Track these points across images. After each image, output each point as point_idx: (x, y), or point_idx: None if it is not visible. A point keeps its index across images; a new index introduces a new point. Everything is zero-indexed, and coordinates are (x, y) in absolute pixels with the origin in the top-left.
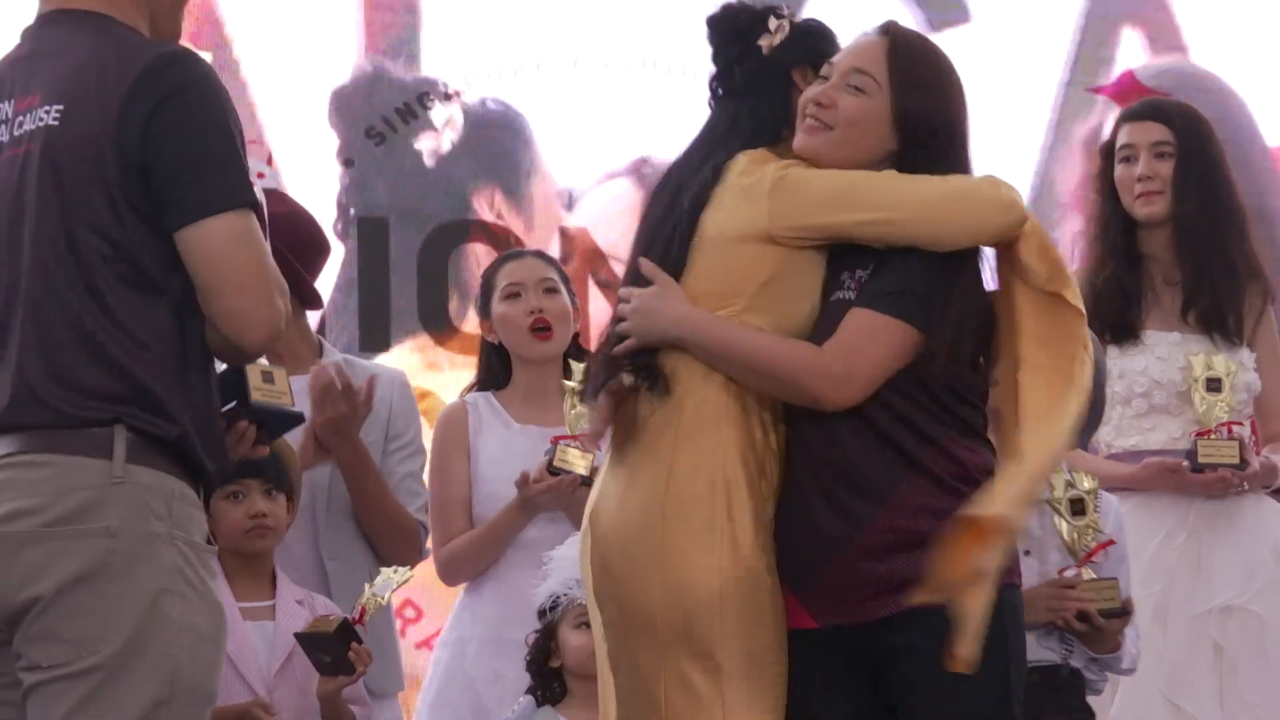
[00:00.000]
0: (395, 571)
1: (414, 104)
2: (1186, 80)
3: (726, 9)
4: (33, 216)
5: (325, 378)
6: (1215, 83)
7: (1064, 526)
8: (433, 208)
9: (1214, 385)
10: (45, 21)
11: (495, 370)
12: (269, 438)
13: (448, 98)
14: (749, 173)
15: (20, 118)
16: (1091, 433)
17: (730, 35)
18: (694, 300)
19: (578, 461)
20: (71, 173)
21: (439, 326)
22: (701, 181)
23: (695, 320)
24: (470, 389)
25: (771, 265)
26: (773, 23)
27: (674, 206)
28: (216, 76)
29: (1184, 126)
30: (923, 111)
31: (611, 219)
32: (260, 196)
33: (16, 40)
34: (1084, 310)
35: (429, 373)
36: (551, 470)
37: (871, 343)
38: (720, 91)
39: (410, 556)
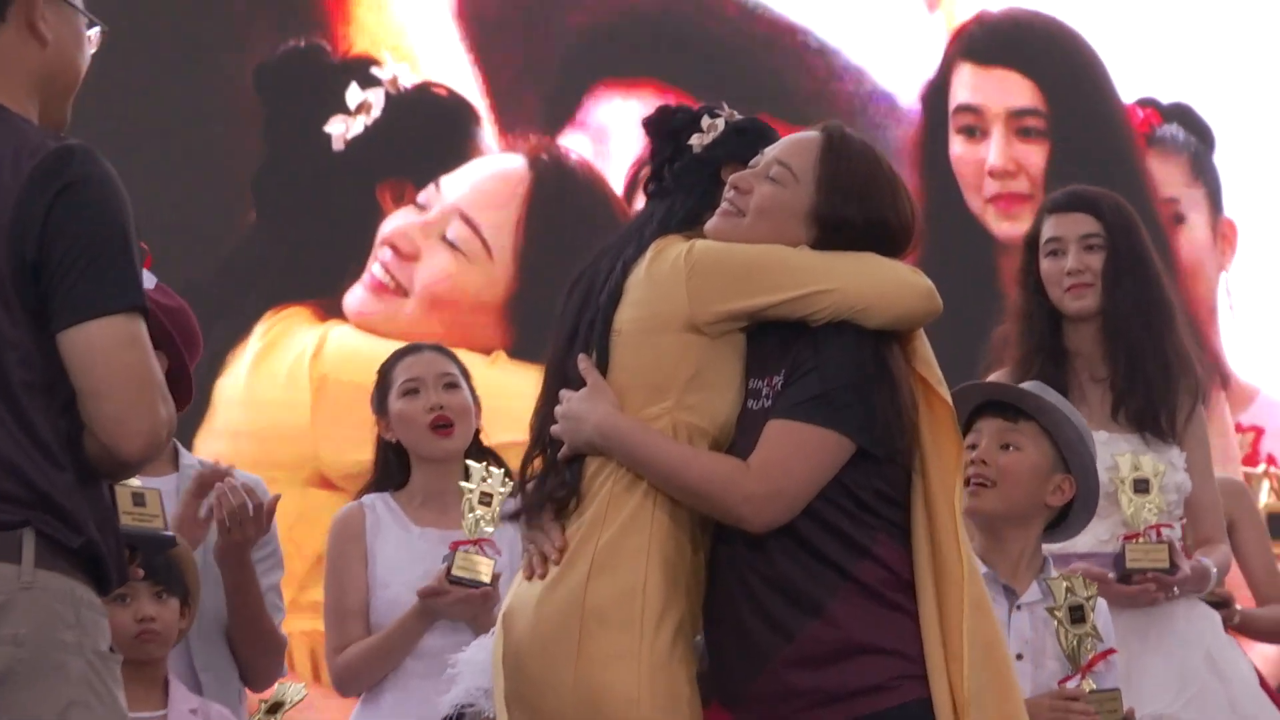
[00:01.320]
0: (290, 687)
1: None
2: (1035, 26)
3: (662, 110)
4: None
5: (237, 499)
6: (1067, 32)
7: (1063, 634)
8: None
9: (1141, 486)
10: None
11: (392, 469)
12: (142, 561)
13: None
14: (659, 259)
15: None
16: (1082, 527)
17: (664, 135)
18: (624, 396)
19: (479, 568)
20: None
21: None
22: (614, 275)
23: (620, 430)
24: (366, 489)
25: (696, 356)
26: (705, 122)
27: (588, 303)
28: (113, 172)
29: (1113, 218)
30: (842, 214)
31: None
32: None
33: None
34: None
35: None
36: (451, 578)
37: (798, 457)
38: (650, 192)
39: (276, 673)
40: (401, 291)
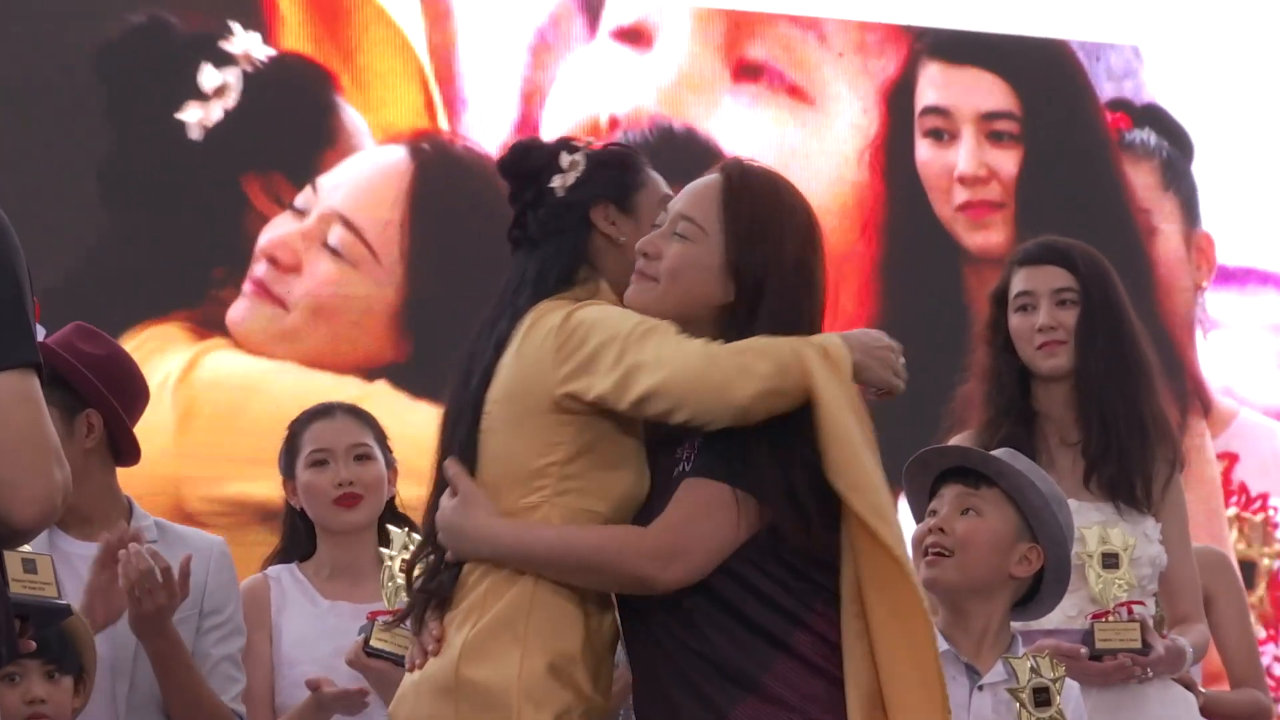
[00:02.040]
0: None
1: None
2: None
3: (515, 149)
4: None
5: (142, 565)
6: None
7: (1026, 718)
8: None
9: (1110, 561)
10: None
11: (300, 537)
12: (34, 631)
13: None
14: (532, 331)
15: None
16: (1055, 602)
17: (522, 178)
18: (498, 493)
19: (400, 641)
20: None
21: None
22: (486, 354)
23: (499, 536)
24: (271, 559)
25: (574, 435)
26: (565, 159)
27: (465, 387)
28: (5, 218)
29: (1088, 271)
30: (754, 261)
31: None
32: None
33: None
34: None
35: None
36: (368, 650)
37: (703, 513)
38: (516, 240)
39: None
40: (282, 304)
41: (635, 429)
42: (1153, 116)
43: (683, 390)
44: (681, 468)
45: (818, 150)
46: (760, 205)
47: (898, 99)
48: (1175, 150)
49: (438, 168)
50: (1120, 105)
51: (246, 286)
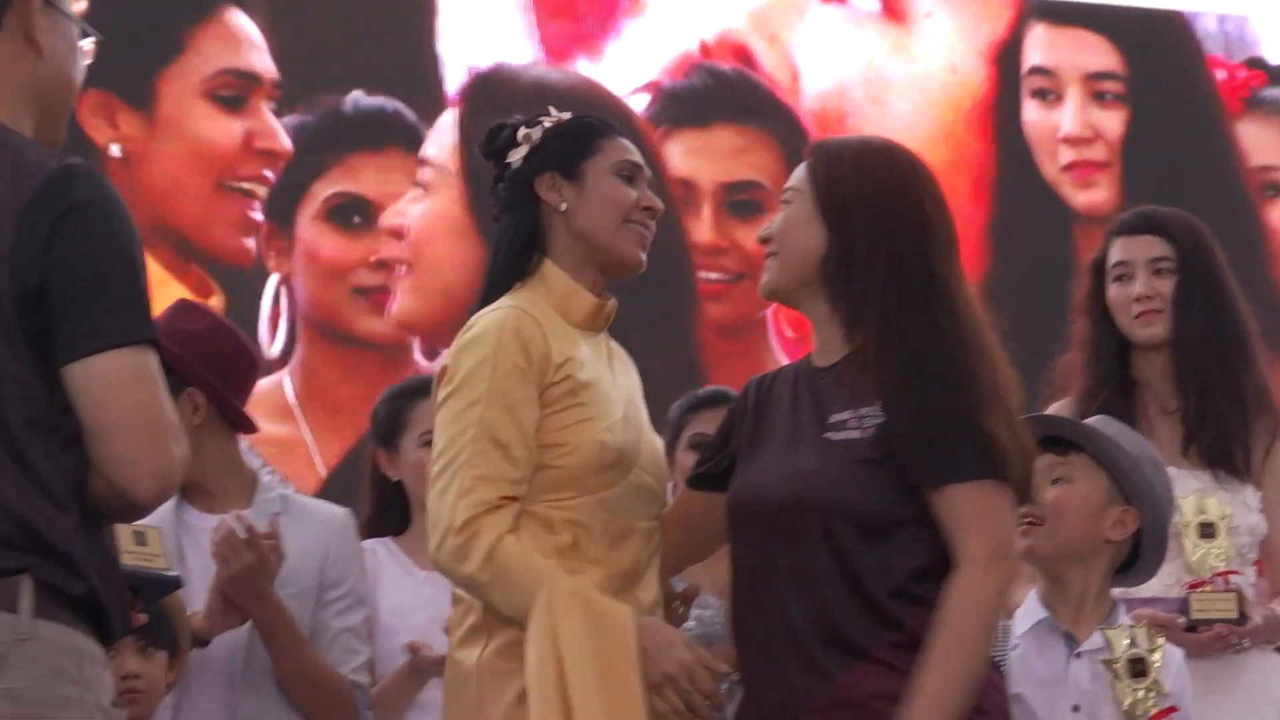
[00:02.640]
0: None
1: None
2: None
3: (490, 131)
4: None
5: (224, 527)
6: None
7: (1119, 689)
8: None
9: (1208, 531)
10: None
11: (390, 509)
12: (145, 604)
13: None
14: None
15: None
16: (1155, 566)
17: (493, 156)
18: None
19: None
20: None
21: None
22: None
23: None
24: (362, 533)
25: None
26: (521, 133)
27: None
28: (119, 195)
29: (1184, 240)
30: (840, 196)
31: None
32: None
33: None
34: None
35: None
36: None
37: (990, 511)
38: (496, 218)
39: None
40: None
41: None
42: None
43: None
44: (847, 435)
45: (908, 74)
46: (843, 152)
47: (1005, 60)
48: None
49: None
50: (1256, 63)
51: None
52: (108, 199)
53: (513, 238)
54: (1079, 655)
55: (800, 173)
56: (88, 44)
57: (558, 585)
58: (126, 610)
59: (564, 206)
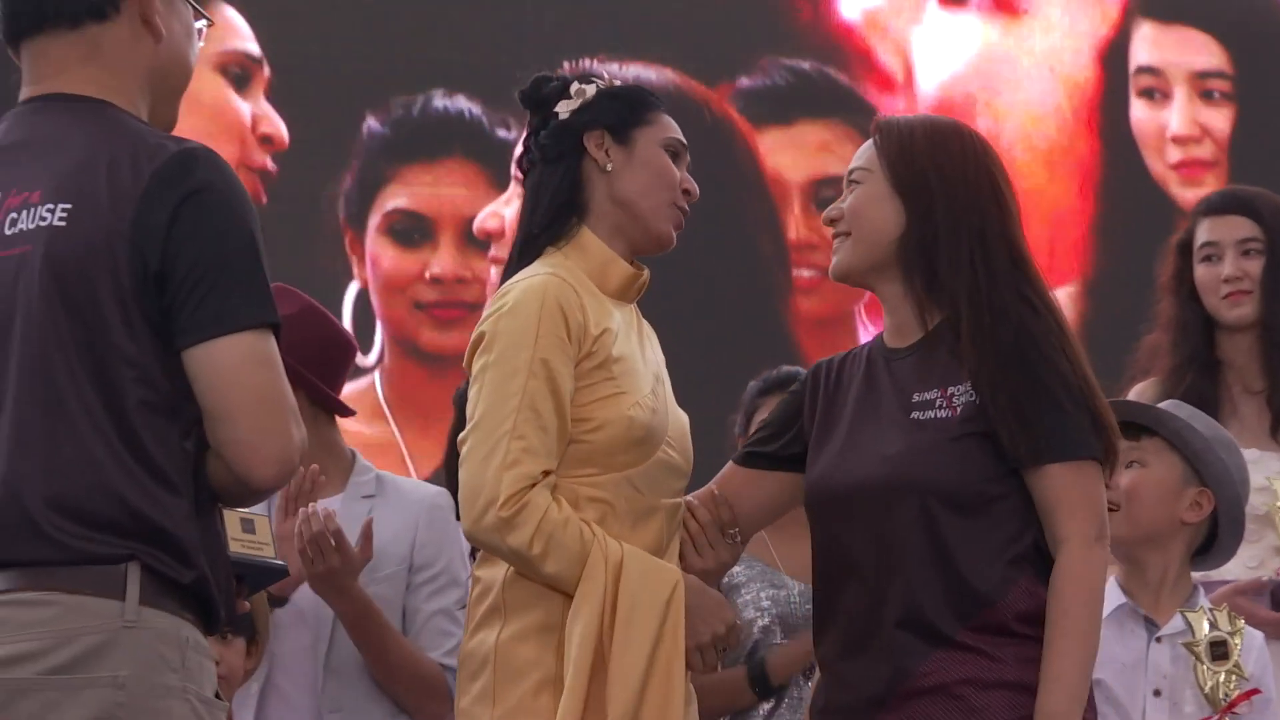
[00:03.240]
0: None
1: None
2: None
3: (536, 80)
4: (31, 330)
5: (314, 527)
6: None
7: (1203, 672)
8: None
9: None
10: (35, 108)
11: None
12: (249, 591)
13: None
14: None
15: (13, 215)
16: (1233, 548)
17: (535, 105)
18: None
19: None
20: (81, 281)
21: None
22: None
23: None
24: None
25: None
26: (575, 87)
27: None
28: (238, 178)
29: (1273, 220)
30: (914, 169)
31: None
32: None
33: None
34: None
35: None
36: None
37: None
38: (523, 172)
39: (436, 709)
40: None
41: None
42: None
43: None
44: (935, 414)
45: (1024, 66)
46: (912, 127)
47: (1112, 58)
48: None
49: None
50: None
51: None
52: (228, 181)
53: (554, 192)
54: (1159, 639)
55: (867, 151)
56: (201, 26)
57: (610, 549)
58: (233, 599)
59: (609, 167)
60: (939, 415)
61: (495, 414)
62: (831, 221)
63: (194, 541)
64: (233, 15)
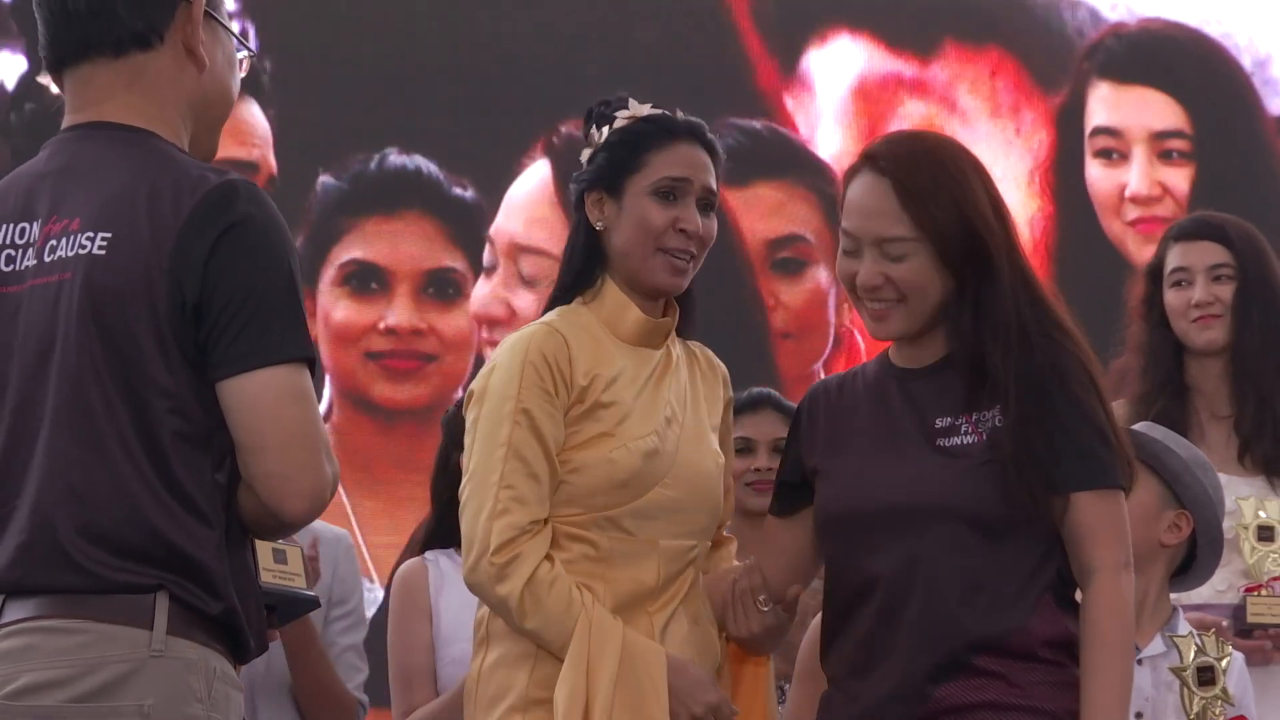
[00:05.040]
0: None
1: None
2: (1172, 43)
3: (586, 115)
4: (69, 357)
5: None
6: (1207, 43)
7: (1187, 696)
8: None
9: (1266, 534)
10: (78, 135)
11: (451, 520)
12: (280, 622)
13: None
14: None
15: (52, 242)
16: (1211, 568)
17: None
18: None
19: None
20: (119, 311)
21: None
22: None
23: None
24: (424, 543)
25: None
26: (592, 132)
27: None
28: (278, 211)
29: (1244, 247)
30: (947, 232)
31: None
32: None
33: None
34: None
35: None
36: None
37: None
38: None
39: None
40: None
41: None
42: None
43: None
44: (962, 440)
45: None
46: (941, 195)
47: (1067, 119)
48: None
49: None
50: None
51: None
52: (268, 215)
53: (574, 250)
54: (1140, 662)
55: (889, 204)
56: (243, 56)
57: (595, 620)
58: (263, 630)
59: (600, 226)
60: (965, 441)
61: (485, 465)
62: (874, 289)
63: (223, 573)
64: None
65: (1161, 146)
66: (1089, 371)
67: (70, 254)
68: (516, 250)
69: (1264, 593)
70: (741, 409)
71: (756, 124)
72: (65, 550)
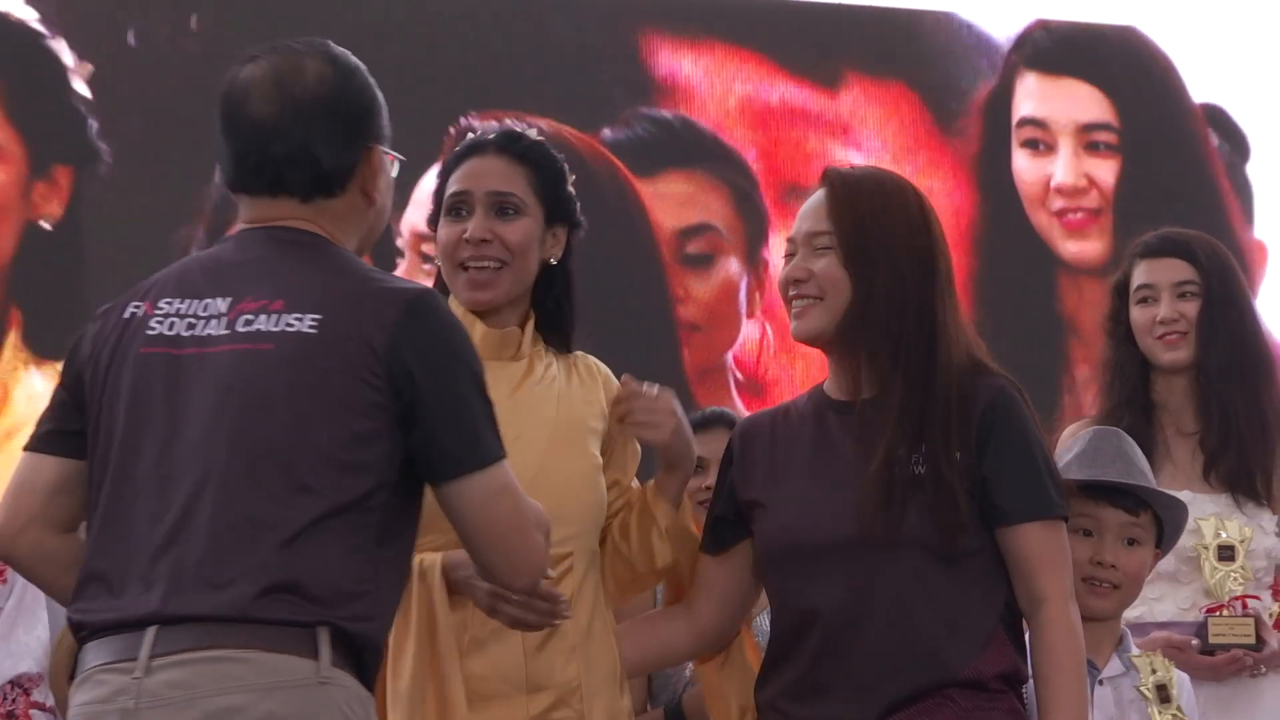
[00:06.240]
0: None
1: None
2: (1101, 37)
3: None
4: (255, 414)
5: None
6: (1136, 37)
7: (1156, 713)
8: None
9: (1226, 554)
10: (270, 233)
11: None
12: None
13: None
14: None
15: (248, 315)
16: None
17: None
18: None
19: None
20: (323, 379)
21: None
22: None
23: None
24: None
25: None
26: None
27: None
28: (459, 324)
29: (1209, 264)
30: (865, 259)
31: None
32: None
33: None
34: None
35: None
36: None
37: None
38: None
39: None
40: None
41: None
42: (1213, 117)
43: None
44: (912, 470)
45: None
46: (865, 206)
47: (993, 109)
48: (1234, 154)
49: None
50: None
51: None
52: (456, 323)
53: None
54: (1101, 682)
55: (822, 210)
56: (395, 170)
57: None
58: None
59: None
60: (915, 471)
61: None
62: (797, 282)
63: (380, 621)
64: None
65: (1088, 139)
66: (1024, 402)
67: (274, 328)
68: (419, 240)
69: (1225, 613)
70: (694, 427)
71: (667, 114)
72: (231, 582)
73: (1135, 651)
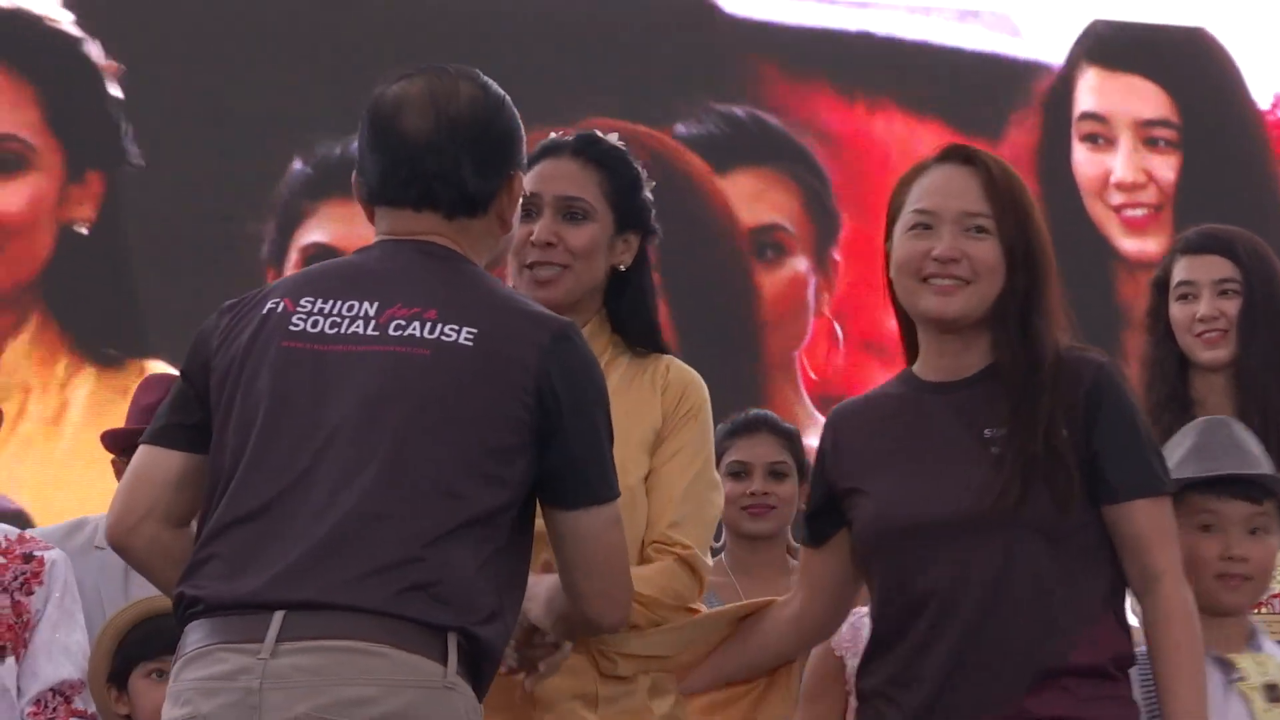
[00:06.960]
0: None
1: None
2: (1161, 35)
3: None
4: (404, 415)
5: None
6: (1201, 37)
7: (1262, 714)
8: None
9: None
10: (417, 247)
11: None
12: None
13: None
14: None
15: (399, 321)
16: None
17: None
18: None
19: None
20: (475, 389)
21: None
22: None
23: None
24: None
25: None
26: None
27: None
28: (599, 368)
29: (1251, 261)
30: (1021, 238)
31: None
32: None
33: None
34: None
35: None
36: None
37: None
38: None
39: None
40: None
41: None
42: None
43: None
44: (994, 449)
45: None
46: (1021, 196)
47: (1054, 102)
48: None
49: None
50: None
51: None
52: (595, 359)
53: None
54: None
55: (977, 192)
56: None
57: None
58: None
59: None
60: (1031, 448)
61: None
62: (949, 261)
63: (503, 634)
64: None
65: (1148, 134)
66: (1127, 382)
67: (428, 335)
68: None
69: (1263, 611)
70: (737, 431)
71: (739, 110)
72: (370, 576)
73: (1262, 649)
